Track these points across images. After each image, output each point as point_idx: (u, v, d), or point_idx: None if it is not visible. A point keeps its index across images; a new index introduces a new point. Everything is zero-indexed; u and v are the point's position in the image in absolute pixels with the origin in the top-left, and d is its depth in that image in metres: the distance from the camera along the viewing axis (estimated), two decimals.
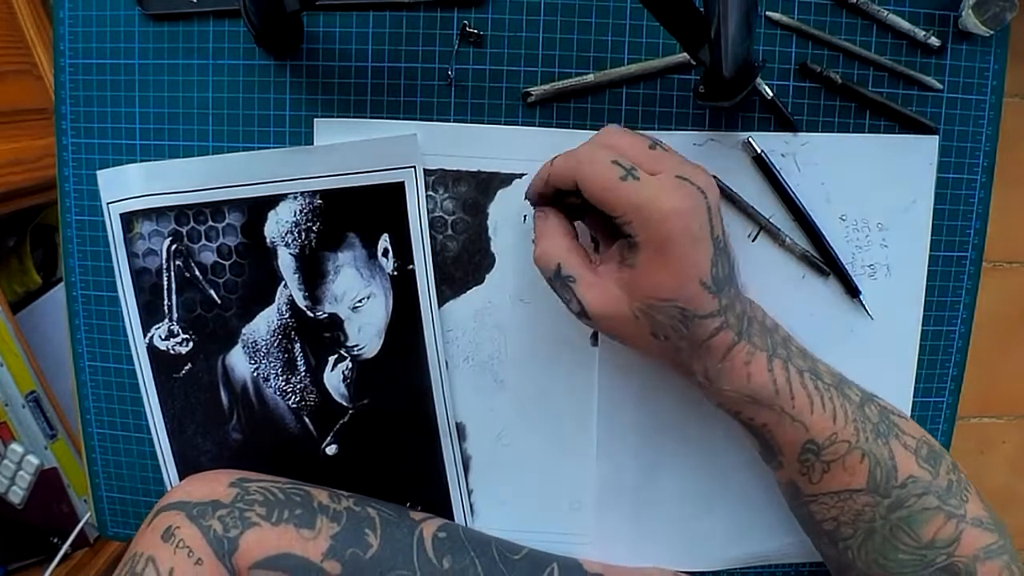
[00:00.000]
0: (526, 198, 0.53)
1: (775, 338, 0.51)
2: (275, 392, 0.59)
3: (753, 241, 0.57)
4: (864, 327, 0.58)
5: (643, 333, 0.49)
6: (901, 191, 0.57)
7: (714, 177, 0.49)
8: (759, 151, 0.55)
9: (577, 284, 0.49)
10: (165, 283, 0.58)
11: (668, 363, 0.52)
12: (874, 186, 0.56)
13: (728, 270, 0.49)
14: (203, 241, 0.57)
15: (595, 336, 0.58)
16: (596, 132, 0.51)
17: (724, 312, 0.48)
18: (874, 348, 0.58)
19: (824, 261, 0.57)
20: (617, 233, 0.49)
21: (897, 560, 0.50)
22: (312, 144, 0.57)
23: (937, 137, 0.56)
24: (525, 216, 0.56)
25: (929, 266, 0.58)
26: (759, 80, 0.54)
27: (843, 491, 0.50)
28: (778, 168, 0.55)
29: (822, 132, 0.56)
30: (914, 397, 0.59)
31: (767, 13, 0.55)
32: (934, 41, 0.55)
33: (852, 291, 0.57)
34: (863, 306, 0.57)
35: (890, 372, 0.59)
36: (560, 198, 0.51)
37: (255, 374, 0.59)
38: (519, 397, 0.59)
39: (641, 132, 0.51)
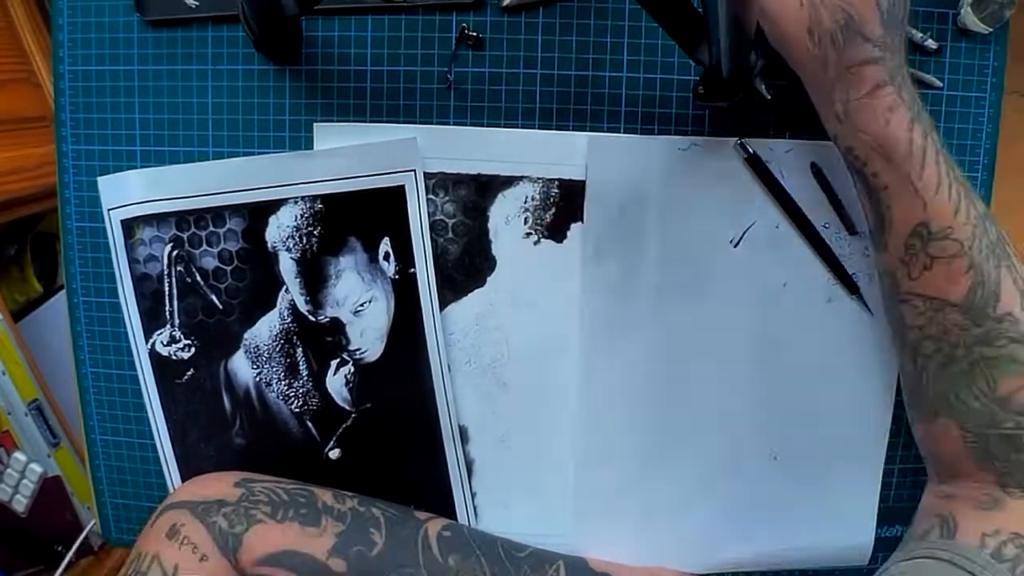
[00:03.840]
0: None
1: (925, 112, 0.48)
2: (277, 397, 0.59)
3: (736, 247, 0.57)
4: (846, 335, 0.58)
5: (800, 26, 0.47)
6: None
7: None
8: (751, 152, 0.55)
9: None
10: (167, 289, 0.58)
11: (810, 81, 0.49)
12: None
13: (902, 15, 0.47)
14: (204, 247, 0.57)
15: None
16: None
17: (884, 47, 0.46)
18: (856, 356, 0.58)
19: (826, 263, 0.57)
20: None
21: (967, 404, 0.47)
22: (312, 149, 0.57)
23: None
24: None
25: None
26: (758, 80, 0.54)
27: (938, 298, 0.47)
28: (769, 170, 0.55)
29: (821, 133, 0.56)
30: None
31: None
32: (931, 44, 0.55)
33: (852, 288, 0.57)
34: (863, 303, 0.57)
35: (871, 379, 0.58)
36: None
37: (257, 379, 0.59)
38: (521, 399, 0.59)
39: None
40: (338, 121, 0.57)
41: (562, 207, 0.56)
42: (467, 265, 0.57)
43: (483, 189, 0.56)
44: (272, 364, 0.59)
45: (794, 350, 0.58)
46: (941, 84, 0.56)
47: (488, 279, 0.58)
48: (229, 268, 0.58)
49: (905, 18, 0.48)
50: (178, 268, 0.58)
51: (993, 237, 0.48)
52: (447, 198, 0.57)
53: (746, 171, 0.56)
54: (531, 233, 0.57)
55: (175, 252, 0.58)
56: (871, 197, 0.50)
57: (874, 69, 0.46)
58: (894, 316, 0.51)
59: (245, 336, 0.59)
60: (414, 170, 0.56)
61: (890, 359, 0.58)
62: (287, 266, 0.57)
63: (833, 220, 0.57)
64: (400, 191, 0.56)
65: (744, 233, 0.57)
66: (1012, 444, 0.46)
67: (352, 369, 0.59)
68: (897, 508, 0.61)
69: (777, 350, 0.57)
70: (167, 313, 0.58)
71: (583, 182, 0.56)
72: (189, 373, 0.59)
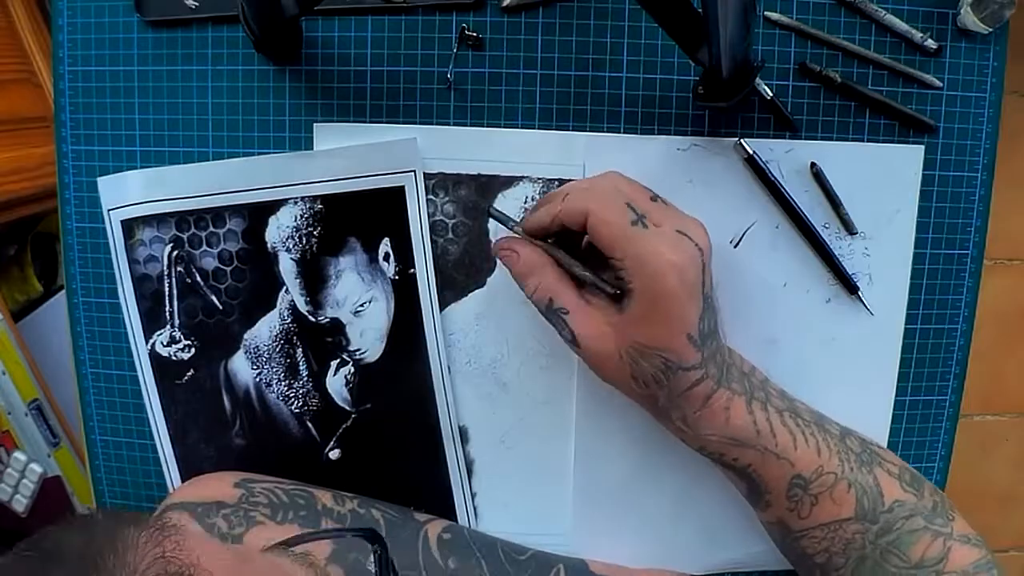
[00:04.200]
0: (515, 226, 0.52)
1: (753, 382, 0.52)
2: (277, 397, 0.59)
3: (736, 247, 0.56)
4: (846, 335, 0.58)
5: (624, 374, 0.50)
6: (885, 201, 0.57)
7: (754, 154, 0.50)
8: (751, 152, 0.55)
9: (570, 316, 0.50)
10: (166, 289, 0.58)
11: (646, 408, 0.52)
12: (857, 195, 0.56)
13: (713, 324, 0.50)
14: (204, 247, 0.57)
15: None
16: (600, 174, 0.51)
17: (705, 364, 0.49)
18: (856, 356, 0.58)
19: (824, 262, 0.57)
20: (602, 264, 0.49)
21: None
22: (312, 149, 0.57)
23: (923, 146, 0.56)
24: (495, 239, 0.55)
25: (930, 264, 0.58)
26: (758, 80, 0.54)
27: (832, 522, 0.51)
28: (767, 170, 0.55)
29: (821, 133, 0.56)
30: (916, 396, 0.59)
31: (766, 13, 0.55)
32: (931, 44, 0.55)
33: (851, 288, 0.57)
34: (862, 302, 0.57)
35: (872, 379, 0.58)
36: (562, 235, 0.51)
37: (257, 379, 0.59)
38: (521, 400, 0.59)
39: (642, 185, 0.51)
40: (338, 121, 0.57)
41: None
42: (467, 266, 0.57)
43: (483, 189, 0.56)
44: (272, 364, 0.59)
45: (794, 350, 0.58)
46: (941, 84, 0.56)
47: (488, 280, 0.58)
48: (229, 268, 0.58)
49: (717, 319, 0.51)
50: (178, 268, 0.58)
51: (857, 448, 0.52)
52: (447, 198, 0.57)
53: (746, 171, 0.56)
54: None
55: (175, 252, 0.58)
56: (738, 475, 0.52)
57: (702, 386, 0.49)
58: (795, 552, 0.54)
59: (245, 336, 0.59)
60: (414, 170, 0.56)
61: (890, 359, 0.58)
62: (287, 266, 0.57)
63: (833, 220, 0.57)
64: (400, 191, 0.56)
65: (744, 233, 0.57)
66: None
67: (352, 369, 0.59)
68: None
69: (777, 350, 0.57)
70: (167, 313, 0.58)
71: None
72: (189, 374, 0.59)
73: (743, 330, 0.57)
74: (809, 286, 0.57)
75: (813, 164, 0.55)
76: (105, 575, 0.30)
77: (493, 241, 0.57)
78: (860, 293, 0.57)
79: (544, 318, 0.52)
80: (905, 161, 0.56)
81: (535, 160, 0.56)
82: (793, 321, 0.57)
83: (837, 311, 0.58)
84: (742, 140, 0.55)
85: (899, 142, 0.56)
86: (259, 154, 0.57)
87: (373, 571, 0.41)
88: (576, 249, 0.52)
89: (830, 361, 0.58)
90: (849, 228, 0.56)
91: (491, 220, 0.56)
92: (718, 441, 0.51)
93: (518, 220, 0.53)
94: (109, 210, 0.58)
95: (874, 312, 0.57)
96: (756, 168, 0.55)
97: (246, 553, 0.39)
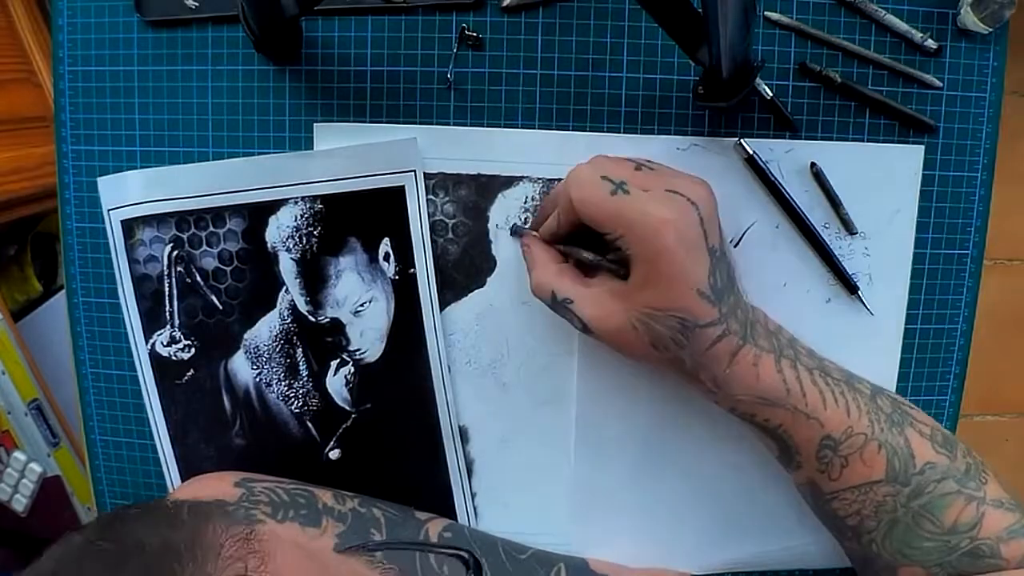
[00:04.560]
0: (523, 232, 0.55)
1: (780, 340, 0.52)
2: (277, 397, 0.59)
3: (736, 247, 0.56)
4: (846, 335, 0.58)
5: (643, 344, 0.49)
6: (884, 201, 0.57)
7: (753, 156, 0.51)
8: (751, 152, 0.55)
9: (575, 304, 0.50)
10: (166, 289, 0.58)
11: (675, 374, 0.51)
12: (857, 195, 0.56)
13: (727, 278, 0.49)
14: (204, 247, 0.57)
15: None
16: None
17: (725, 319, 0.48)
18: (856, 356, 0.58)
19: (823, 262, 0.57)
20: (606, 250, 0.50)
21: (922, 548, 0.50)
22: (312, 149, 0.57)
23: (923, 147, 0.56)
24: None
25: (930, 264, 0.58)
26: (758, 80, 0.54)
27: (863, 484, 0.50)
28: (767, 170, 0.55)
29: (821, 133, 0.56)
30: (916, 396, 0.59)
31: (766, 13, 0.55)
32: (930, 44, 0.55)
33: (851, 288, 0.57)
34: (862, 302, 0.57)
35: (872, 379, 0.58)
36: (579, 233, 0.51)
37: (257, 379, 0.59)
38: (522, 400, 0.59)
39: (629, 156, 0.52)
40: (338, 121, 0.57)
41: None
42: (467, 266, 0.57)
43: (483, 189, 0.56)
44: (272, 364, 0.59)
45: None
46: (941, 84, 0.56)
47: (488, 280, 0.58)
48: (229, 268, 0.58)
49: (732, 274, 0.50)
50: (178, 268, 0.58)
51: (888, 409, 0.52)
52: (447, 198, 0.57)
53: (746, 171, 0.56)
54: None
55: (175, 252, 0.58)
56: (769, 435, 0.52)
57: (725, 342, 0.48)
58: (827, 514, 0.53)
59: (245, 336, 0.59)
60: (414, 170, 0.56)
61: (890, 359, 0.58)
62: (287, 266, 0.57)
63: (833, 220, 0.57)
64: (400, 191, 0.56)
65: (744, 233, 0.57)
66: (973, 555, 0.49)
67: (352, 369, 0.59)
68: None
69: None
70: (167, 313, 0.58)
71: None
72: (189, 373, 0.59)
73: None
74: (809, 286, 0.57)
75: (813, 164, 0.55)
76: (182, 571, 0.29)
77: (492, 243, 0.57)
78: (860, 293, 0.57)
79: (555, 314, 0.52)
80: (905, 161, 0.56)
81: (535, 160, 0.56)
82: (793, 321, 0.57)
83: (837, 311, 0.58)
84: (742, 140, 0.55)
85: (899, 142, 0.56)
86: (259, 154, 0.57)
87: None
88: (595, 242, 0.51)
89: (831, 360, 0.58)
90: (849, 228, 0.56)
91: (492, 219, 0.56)
92: (748, 401, 0.50)
93: (535, 232, 0.55)
94: (109, 210, 0.58)
95: (874, 312, 0.57)
96: (756, 168, 0.55)
97: (323, 558, 0.38)
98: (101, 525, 0.33)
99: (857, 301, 0.57)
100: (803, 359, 0.51)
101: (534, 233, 0.54)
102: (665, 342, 0.48)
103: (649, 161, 0.51)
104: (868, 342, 0.58)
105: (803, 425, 0.50)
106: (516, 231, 0.56)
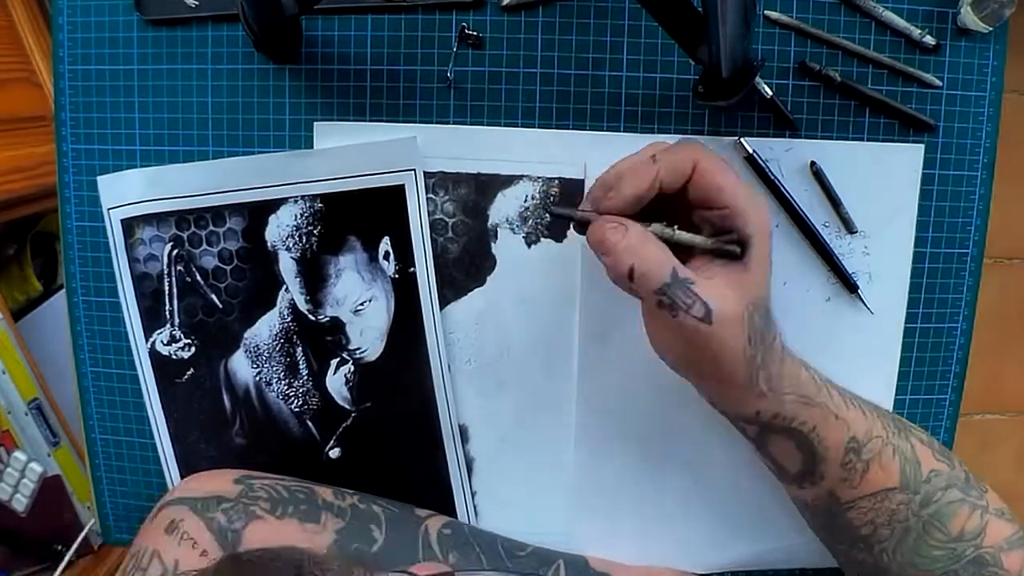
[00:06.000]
0: (586, 215, 0.47)
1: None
2: (277, 396, 0.59)
3: None
4: (846, 334, 0.58)
5: (740, 340, 0.45)
6: (884, 199, 0.57)
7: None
8: (751, 151, 0.55)
9: (698, 286, 0.44)
10: (166, 288, 0.58)
11: (728, 386, 0.48)
12: (857, 194, 0.56)
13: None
14: (204, 246, 0.57)
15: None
16: (636, 150, 0.47)
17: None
18: (855, 355, 0.58)
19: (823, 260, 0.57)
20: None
21: (931, 556, 0.50)
22: (312, 148, 0.57)
23: (923, 146, 0.56)
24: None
25: (930, 263, 0.58)
26: (758, 79, 0.54)
27: (880, 491, 0.50)
28: (767, 169, 0.55)
29: (821, 132, 0.56)
30: (916, 395, 0.59)
31: (766, 12, 0.55)
32: (929, 40, 0.55)
33: (851, 287, 0.57)
34: (862, 301, 0.57)
35: (872, 378, 0.58)
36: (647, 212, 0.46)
37: (257, 378, 0.59)
38: (522, 399, 0.59)
39: None
40: (338, 120, 0.57)
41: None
42: (467, 264, 0.57)
43: (483, 188, 0.56)
44: (272, 363, 0.59)
45: (794, 349, 0.57)
46: (941, 83, 0.56)
47: (488, 278, 0.58)
48: (229, 267, 0.58)
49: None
50: (178, 267, 0.58)
51: (888, 415, 0.52)
52: (447, 197, 0.57)
53: (745, 170, 0.56)
54: (531, 232, 0.57)
55: (175, 251, 0.58)
56: (799, 445, 0.50)
57: (780, 338, 0.48)
58: (839, 525, 0.52)
59: (245, 335, 0.59)
60: (414, 169, 0.56)
61: (890, 357, 0.58)
62: (287, 265, 0.57)
63: (833, 219, 0.57)
64: (400, 190, 0.56)
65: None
66: (977, 563, 0.50)
67: (352, 368, 0.59)
68: None
69: None
70: (167, 312, 0.58)
71: (583, 181, 0.56)
72: (189, 372, 0.59)
73: None
74: (809, 285, 0.57)
75: (813, 163, 0.55)
76: None
77: (492, 241, 0.57)
78: (860, 292, 0.57)
79: (649, 302, 0.45)
80: (905, 160, 0.56)
81: (535, 159, 0.56)
82: (793, 320, 0.57)
83: (837, 310, 0.58)
84: (742, 139, 0.55)
85: (899, 141, 0.56)
86: (259, 153, 0.57)
87: None
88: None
89: (830, 359, 0.57)
90: (849, 227, 0.56)
91: (492, 218, 0.56)
92: (794, 400, 0.48)
93: (585, 209, 0.47)
94: (109, 209, 0.58)
95: (874, 311, 0.57)
96: (756, 167, 0.55)
97: None
98: None
99: (857, 300, 0.57)
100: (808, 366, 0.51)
101: (605, 206, 0.46)
102: (758, 337, 0.45)
103: None
104: (868, 341, 0.58)
105: (833, 425, 0.49)
106: (560, 214, 0.49)
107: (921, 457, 0.50)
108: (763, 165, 0.55)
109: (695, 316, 0.44)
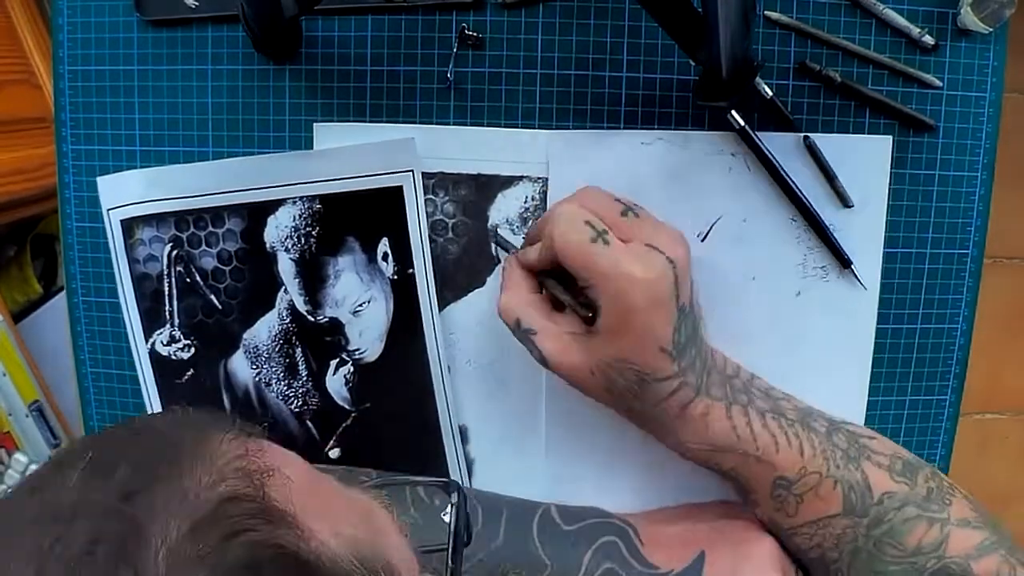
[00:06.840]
0: (508, 248, 0.55)
1: (736, 384, 0.52)
2: (277, 397, 0.59)
3: (703, 241, 0.56)
4: (817, 328, 0.57)
5: (598, 387, 0.50)
6: (853, 192, 0.56)
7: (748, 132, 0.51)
8: (741, 124, 0.54)
9: (537, 336, 0.50)
10: (166, 289, 0.58)
11: (625, 415, 0.53)
12: (826, 187, 0.56)
13: (691, 331, 0.50)
14: (203, 247, 0.57)
15: None
16: (567, 197, 0.52)
17: (683, 373, 0.49)
18: (827, 348, 0.57)
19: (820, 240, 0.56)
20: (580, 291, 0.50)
21: (888, 572, 0.50)
22: (311, 149, 0.57)
23: (891, 137, 0.56)
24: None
25: (930, 264, 0.58)
26: (758, 79, 0.54)
27: (820, 519, 0.51)
28: (729, 167, 0.55)
29: (821, 132, 0.56)
30: (916, 395, 0.59)
31: (766, 12, 0.55)
32: (928, 40, 0.55)
33: (844, 262, 0.56)
34: (855, 276, 0.56)
35: (843, 375, 0.58)
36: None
37: (257, 379, 0.59)
38: (522, 399, 0.59)
39: (618, 196, 0.51)
40: (338, 121, 0.57)
41: None
42: (467, 265, 0.57)
43: (483, 189, 0.56)
44: (271, 364, 0.59)
45: (763, 343, 0.57)
46: (941, 84, 0.56)
47: (488, 279, 0.58)
48: (228, 268, 0.58)
49: (697, 324, 0.50)
50: (178, 268, 0.58)
51: (843, 445, 0.52)
52: (447, 198, 0.57)
53: (712, 164, 0.55)
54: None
55: (175, 252, 0.58)
56: (725, 477, 0.53)
57: (678, 396, 0.49)
58: (791, 547, 0.54)
59: (244, 336, 0.59)
60: (412, 170, 0.56)
61: (851, 363, 0.58)
62: (286, 266, 0.57)
63: (823, 196, 0.56)
64: (398, 191, 0.56)
65: (711, 227, 0.56)
66: (944, 574, 0.50)
67: (351, 369, 0.59)
68: None
69: (746, 344, 0.56)
70: (167, 313, 0.59)
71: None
72: (189, 373, 0.59)
73: (711, 326, 0.56)
74: (778, 280, 0.57)
75: (806, 137, 0.55)
76: (184, 458, 0.29)
77: (494, 245, 0.57)
78: (853, 267, 0.56)
79: (516, 339, 0.52)
80: (873, 152, 0.55)
81: (535, 160, 0.56)
82: (762, 315, 0.57)
83: (806, 304, 0.57)
84: (732, 112, 0.54)
85: (899, 140, 0.56)
86: (259, 153, 0.57)
87: (448, 521, 0.40)
88: (572, 279, 0.51)
89: (801, 354, 0.57)
90: (844, 200, 0.55)
91: (492, 219, 0.56)
92: (698, 448, 0.51)
93: (518, 248, 0.55)
94: (109, 210, 0.58)
95: (845, 303, 0.56)
96: (748, 140, 0.54)
97: (320, 473, 0.39)
98: (126, 420, 0.35)
99: (828, 293, 0.56)
100: (757, 403, 0.52)
101: (516, 254, 0.53)
102: (620, 391, 0.49)
103: (636, 205, 0.51)
104: (839, 334, 0.57)
105: (755, 467, 0.51)
106: (501, 244, 0.56)
107: (873, 482, 0.50)
108: (754, 138, 0.54)
109: (536, 358, 0.51)
